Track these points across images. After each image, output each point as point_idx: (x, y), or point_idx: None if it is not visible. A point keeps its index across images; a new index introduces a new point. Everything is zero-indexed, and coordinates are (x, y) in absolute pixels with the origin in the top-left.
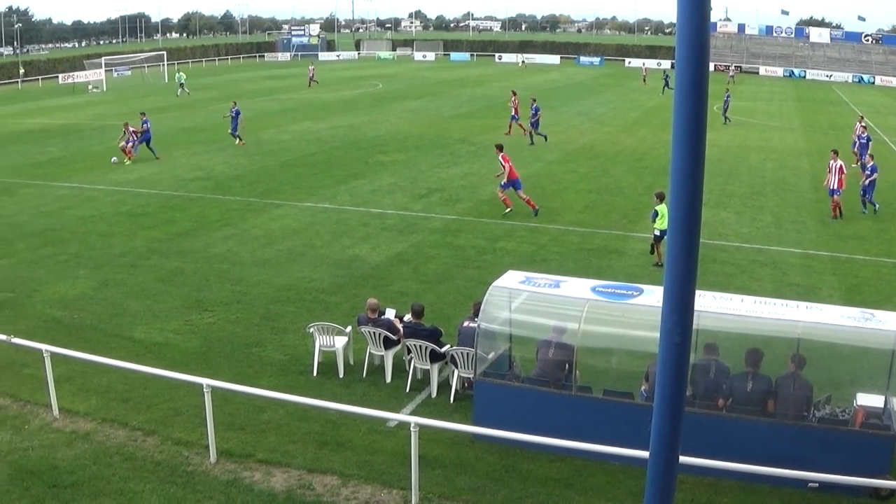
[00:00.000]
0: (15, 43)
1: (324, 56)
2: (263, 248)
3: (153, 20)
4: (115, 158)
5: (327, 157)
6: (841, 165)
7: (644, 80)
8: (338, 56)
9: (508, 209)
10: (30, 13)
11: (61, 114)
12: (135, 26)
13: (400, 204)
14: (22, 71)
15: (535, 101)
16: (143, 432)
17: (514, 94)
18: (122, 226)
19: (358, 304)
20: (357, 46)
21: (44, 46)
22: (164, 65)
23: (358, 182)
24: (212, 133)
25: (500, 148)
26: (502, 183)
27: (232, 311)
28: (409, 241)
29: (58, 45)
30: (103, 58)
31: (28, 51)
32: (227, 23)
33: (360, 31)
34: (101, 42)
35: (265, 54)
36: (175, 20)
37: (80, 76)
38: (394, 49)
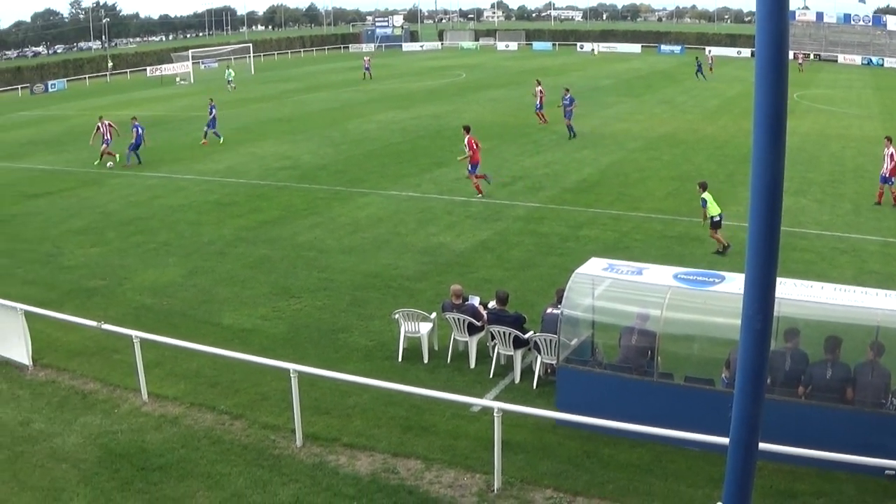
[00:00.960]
0: (103, 37)
1: (407, 47)
2: (349, 236)
3: (238, 13)
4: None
5: (412, 146)
6: (893, 153)
7: (711, 69)
8: (421, 47)
9: (479, 195)
10: (117, 8)
11: (149, 105)
12: (221, 19)
13: (484, 191)
14: (110, 64)
15: (568, 91)
16: (231, 416)
17: (539, 82)
18: (210, 214)
19: (442, 290)
20: (440, 37)
21: (131, 40)
22: (250, 57)
23: (442, 170)
24: (298, 123)
25: (467, 130)
26: (468, 167)
27: (319, 297)
28: (493, 229)
29: (145, 38)
30: (190, 51)
31: (116, 45)
32: (311, 15)
33: (443, 21)
34: (188, 35)
35: (349, 45)
36: (260, 13)
37: (167, 69)
38: (476, 39)
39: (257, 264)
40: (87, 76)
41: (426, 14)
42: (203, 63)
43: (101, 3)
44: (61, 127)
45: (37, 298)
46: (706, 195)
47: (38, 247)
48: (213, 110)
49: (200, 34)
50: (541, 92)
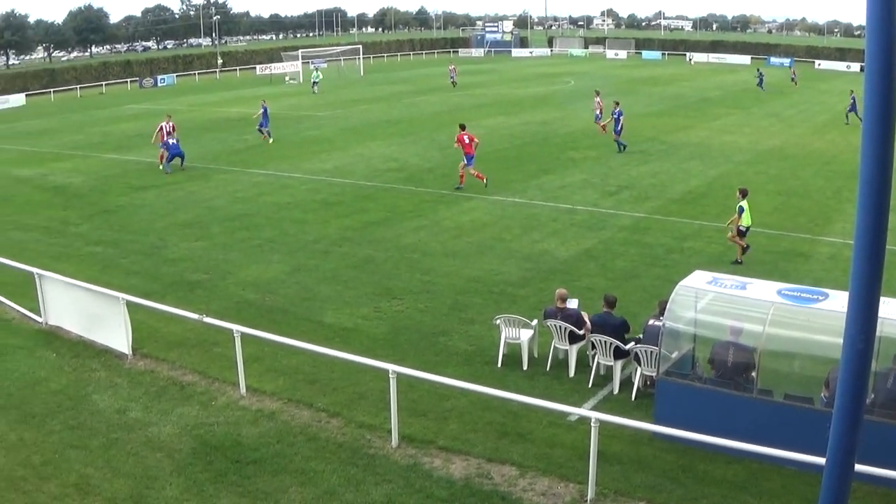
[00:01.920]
0: (213, 34)
1: (517, 53)
2: (454, 240)
3: (349, 15)
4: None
5: (519, 153)
6: None
7: (795, 82)
8: (530, 53)
9: (484, 182)
10: (228, 6)
11: (258, 103)
12: (331, 20)
13: (589, 200)
14: (220, 61)
15: (617, 104)
16: (328, 414)
17: (598, 93)
18: (315, 213)
19: (545, 297)
20: (550, 43)
21: (241, 38)
22: (359, 58)
23: (548, 177)
24: (406, 125)
25: (462, 127)
26: (464, 159)
27: (421, 300)
28: (597, 238)
29: (255, 37)
30: (300, 50)
31: (226, 42)
32: (421, 18)
33: (553, 28)
34: (298, 35)
35: (459, 50)
36: (370, 15)
37: (276, 68)
38: (586, 46)
39: (361, 264)
40: (196, 72)
41: (536, 20)
42: (312, 63)
43: (211, 1)
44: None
45: (140, 289)
46: (744, 203)
47: (143, 238)
48: (265, 109)
49: (310, 34)
50: (599, 104)
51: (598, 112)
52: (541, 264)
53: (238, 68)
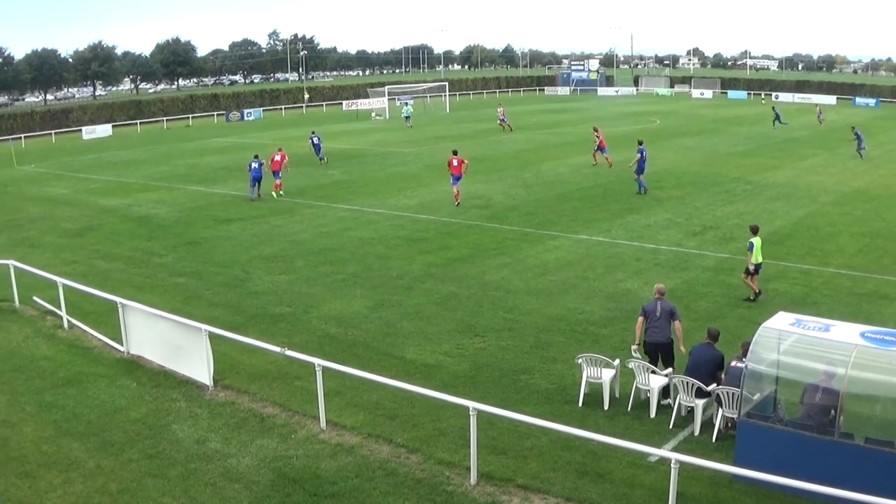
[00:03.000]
0: (300, 69)
1: (602, 91)
2: (537, 278)
3: (435, 52)
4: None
5: (603, 191)
6: None
7: (820, 121)
8: (616, 92)
9: (457, 202)
10: (315, 42)
11: (344, 139)
12: (417, 57)
13: (674, 240)
14: (307, 96)
15: (641, 144)
16: (407, 449)
17: (596, 129)
18: (399, 249)
19: (628, 337)
20: (635, 82)
21: (328, 74)
22: (445, 95)
23: (633, 217)
24: (492, 163)
25: (454, 153)
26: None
27: (503, 337)
28: (681, 278)
29: (341, 73)
30: (386, 86)
31: (312, 77)
32: (507, 56)
33: (639, 67)
34: (384, 71)
35: (545, 88)
36: (457, 52)
37: (363, 103)
38: (671, 86)
39: (444, 301)
40: (282, 107)
41: (622, 59)
42: (399, 99)
43: (299, 37)
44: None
45: (222, 321)
46: (756, 240)
47: (227, 270)
48: (315, 139)
49: (396, 70)
50: (600, 137)
51: (599, 145)
52: (624, 304)
53: (324, 103)
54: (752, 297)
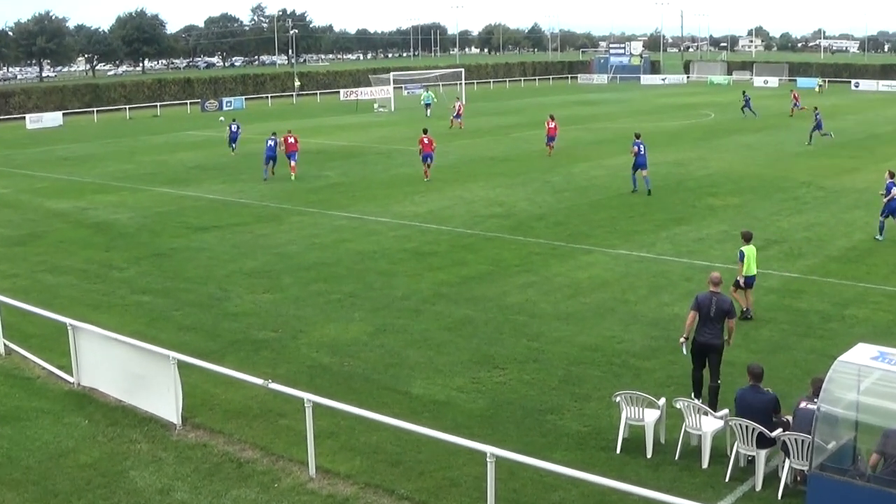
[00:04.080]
0: (290, 51)
1: (647, 80)
2: (567, 300)
3: (449, 32)
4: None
5: (646, 198)
6: None
7: (795, 108)
8: (663, 80)
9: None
10: (308, 19)
11: (341, 134)
12: (428, 38)
13: (730, 256)
14: (298, 83)
15: (638, 137)
16: (412, 502)
17: (552, 117)
18: (406, 264)
19: (674, 371)
20: (686, 69)
21: (322, 57)
22: (461, 84)
23: (682, 228)
24: (515, 164)
25: (424, 131)
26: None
27: (526, 370)
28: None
29: (339, 56)
30: (391, 73)
31: (304, 61)
32: (534, 38)
33: (690, 50)
34: (389, 55)
35: (578, 75)
36: (474, 33)
37: (364, 93)
38: (729, 72)
39: (457, 326)
40: (269, 95)
41: (670, 41)
42: (406, 88)
43: (288, 13)
44: (236, 151)
45: (194, 347)
46: (747, 248)
47: (200, 287)
48: (233, 127)
49: (404, 54)
50: (553, 128)
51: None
52: (670, 332)
53: (318, 92)
54: (749, 314)
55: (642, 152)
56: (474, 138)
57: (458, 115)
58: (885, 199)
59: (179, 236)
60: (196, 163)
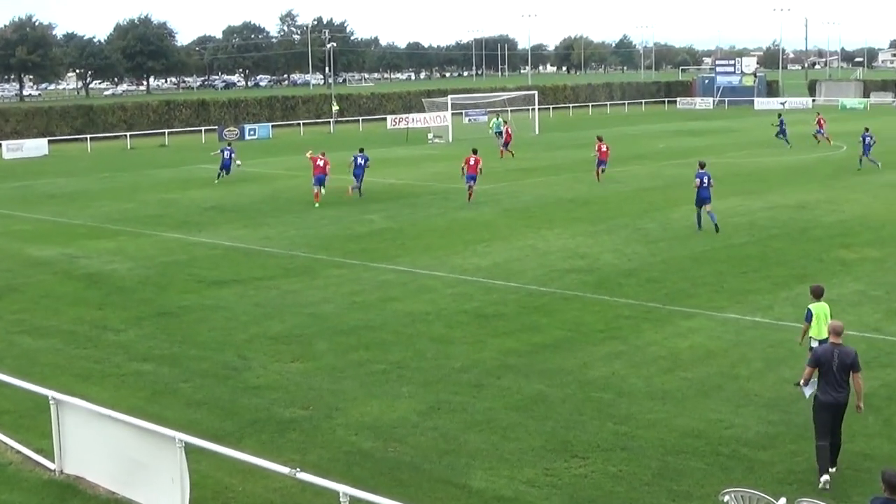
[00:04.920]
0: (326, 69)
1: (761, 103)
2: (663, 375)
3: (520, 47)
4: (239, 162)
5: (762, 250)
6: None
7: (823, 137)
8: (782, 104)
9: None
10: (347, 29)
11: (388, 170)
12: (494, 54)
13: (868, 323)
14: (336, 108)
15: (702, 166)
16: None
17: (600, 139)
18: (465, 329)
19: (798, 465)
20: (811, 90)
21: (366, 76)
22: (534, 109)
23: (806, 287)
24: (599, 207)
25: (474, 151)
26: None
27: (613, 460)
28: (879, 379)
29: (385, 76)
30: (449, 96)
31: (345, 80)
32: (623, 53)
33: (817, 67)
34: (446, 74)
35: (677, 100)
36: (550, 48)
37: (416, 119)
38: (865, 94)
39: (527, 405)
40: (300, 122)
41: (790, 56)
42: (468, 115)
43: (325, 21)
44: (261, 190)
45: (206, 427)
46: (815, 306)
47: (215, 355)
48: (226, 153)
49: (465, 73)
50: (604, 152)
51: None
52: (792, 415)
53: (360, 118)
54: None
55: (706, 184)
56: (548, 175)
57: (505, 144)
58: None
59: (190, 292)
60: (212, 203)
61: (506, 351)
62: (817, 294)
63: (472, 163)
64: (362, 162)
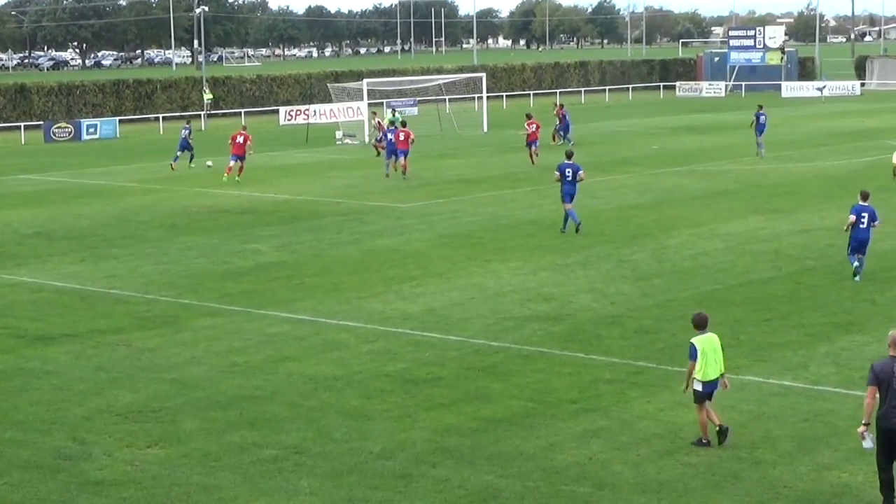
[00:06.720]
0: (196, 43)
1: (790, 89)
2: (658, 460)
3: (461, 13)
4: (209, 163)
5: (793, 288)
6: None
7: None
8: (820, 90)
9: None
10: None
11: (282, 182)
12: (427, 23)
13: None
14: (208, 97)
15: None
16: None
17: (529, 116)
18: (387, 400)
19: None
20: (858, 69)
21: (250, 53)
22: (481, 97)
23: (853, 339)
24: (571, 231)
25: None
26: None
27: None
28: None
29: (278, 52)
30: (365, 80)
31: (222, 58)
32: (603, 22)
33: (867, 38)
34: (362, 50)
35: (676, 84)
36: (503, 14)
37: (320, 112)
38: None
39: (474, 503)
40: (160, 115)
41: (830, 24)
42: (391, 106)
43: None
44: (105, 209)
45: None
46: (697, 340)
47: (40, 438)
48: (184, 132)
49: (387, 49)
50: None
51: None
52: None
53: (242, 111)
54: (703, 440)
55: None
56: (501, 188)
57: (380, 140)
58: None
59: (5, 352)
60: (36, 228)
61: (443, 429)
62: (700, 324)
63: (401, 138)
64: None
